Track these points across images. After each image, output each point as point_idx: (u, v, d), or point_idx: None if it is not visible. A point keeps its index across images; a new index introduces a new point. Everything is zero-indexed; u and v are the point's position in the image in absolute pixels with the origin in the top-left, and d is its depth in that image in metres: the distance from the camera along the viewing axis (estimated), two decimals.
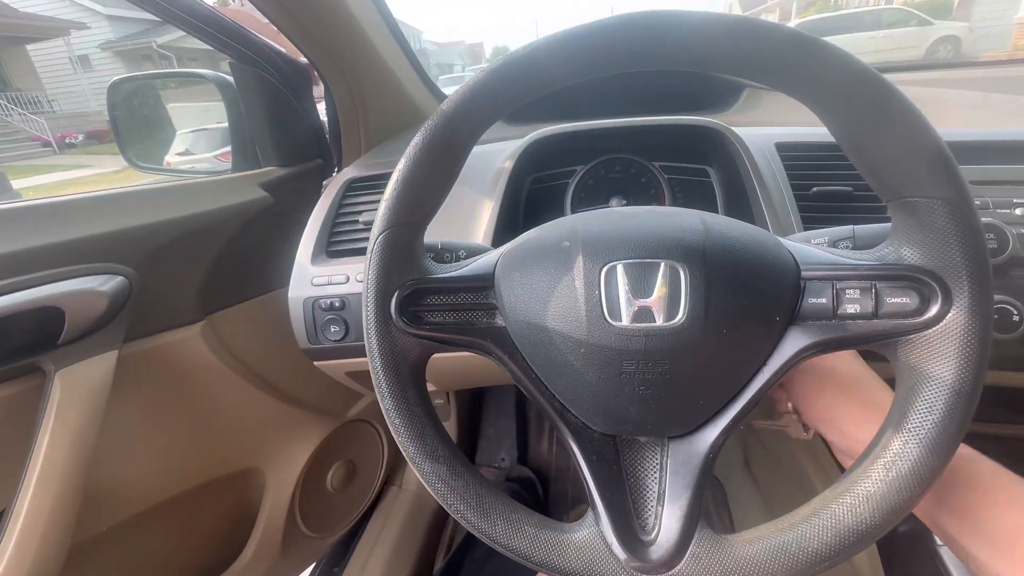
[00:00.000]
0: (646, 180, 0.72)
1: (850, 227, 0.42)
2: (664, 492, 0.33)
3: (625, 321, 0.31)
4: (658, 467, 0.34)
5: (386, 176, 0.69)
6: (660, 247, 0.32)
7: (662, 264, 0.31)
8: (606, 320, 0.32)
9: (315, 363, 0.64)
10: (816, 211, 0.55)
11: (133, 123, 0.84)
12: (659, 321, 0.31)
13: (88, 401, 0.53)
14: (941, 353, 0.29)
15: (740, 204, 0.60)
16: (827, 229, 0.43)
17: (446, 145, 0.34)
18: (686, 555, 0.30)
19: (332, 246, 0.64)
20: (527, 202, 0.72)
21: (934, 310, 0.29)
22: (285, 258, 0.66)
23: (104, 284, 0.54)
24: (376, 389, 0.34)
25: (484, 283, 0.36)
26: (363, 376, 0.67)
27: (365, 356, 0.64)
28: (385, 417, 0.34)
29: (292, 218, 0.72)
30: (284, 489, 0.80)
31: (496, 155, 0.67)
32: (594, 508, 0.33)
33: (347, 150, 0.85)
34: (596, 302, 0.32)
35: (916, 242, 0.30)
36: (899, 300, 0.30)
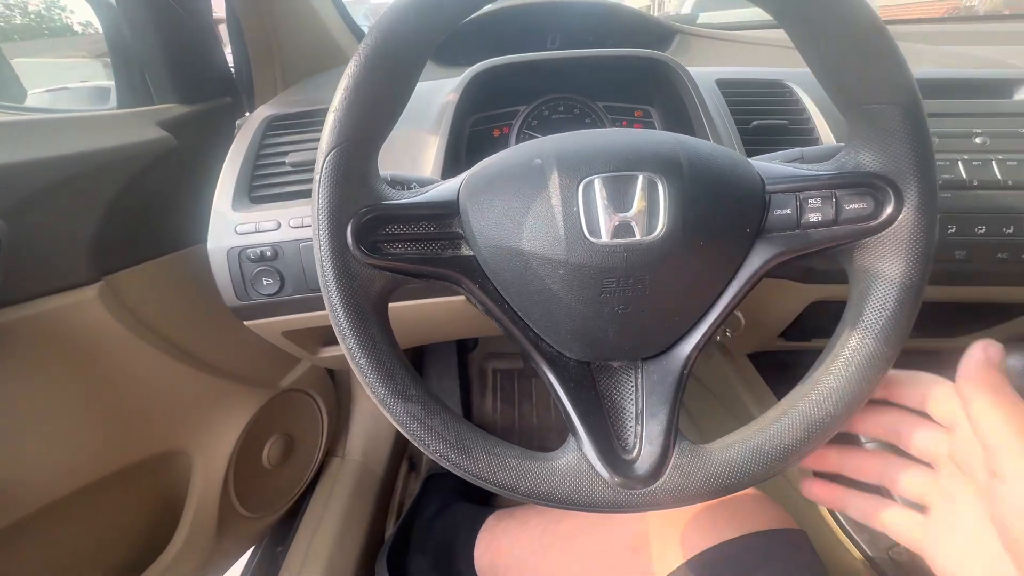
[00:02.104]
0: (590, 121, 0.71)
1: (799, 150, 0.43)
2: (642, 412, 0.33)
3: (605, 237, 0.30)
4: (634, 388, 0.35)
5: (312, 114, 0.63)
6: (638, 160, 0.31)
7: (640, 176, 0.30)
8: (586, 237, 0.30)
9: (246, 323, 0.58)
10: (756, 144, 0.57)
11: None
12: (639, 235, 0.30)
13: None
14: (892, 252, 0.31)
15: None
16: (776, 153, 0.45)
17: (400, 51, 0.30)
18: (668, 467, 0.31)
19: (256, 191, 0.57)
20: (469, 144, 0.69)
21: (887, 212, 0.31)
22: (199, 208, 0.57)
23: None
24: (336, 328, 0.31)
25: (448, 209, 0.33)
26: (303, 335, 0.62)
27: (304, 312, 0.59)
28: (348, 359, 0.31)
29: (203, 164, 0.63)
30: (214, 469, 0.72)
31: (438, 90, 0.63)
32: (575, 434, 0.32)
33: (260, 90, 0.76)
34: (575, 219, 0.30)
35: (873, 148, 0.31)
36: (857, 206, 0.32)
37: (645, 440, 0.32)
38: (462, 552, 0.75)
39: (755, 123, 0.58)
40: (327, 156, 0.30)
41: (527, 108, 0.70)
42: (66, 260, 0.53)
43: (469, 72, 0.61)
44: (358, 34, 0.93)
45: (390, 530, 0.97)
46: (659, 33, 0.89)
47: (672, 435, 0.32)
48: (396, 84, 0.32)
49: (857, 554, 0.61)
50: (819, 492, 0.38)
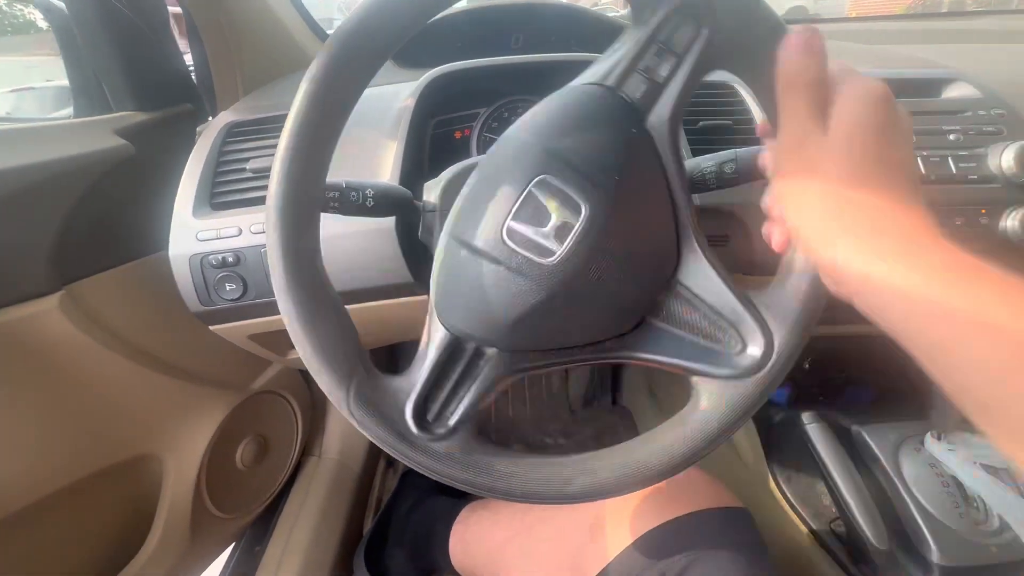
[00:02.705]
0: None
1: (733, 151, 0.46)
2: (712, 308, 0.34)
3: (556, 250, 0.31)
4: (688, 300, 0.35)
5: (274, 120, 0.63)
6: (517, 180, 0.32)
7: (531, 189, 0.32)
8: (543, 264, 0.31)
9: (212, 328, 0.58)
10: (702, 143, 0.59)
11: None
12: (575, 224, 0.31)
13: None
14: (748, 27, 0.31)
15: None
16: (713, 154, 0.47)
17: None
18: (772, 329, 0.32)
19: (216, 197, 0.58)
20: (432, 146, 0.70)
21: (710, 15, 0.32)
22: (161, 217, 0.58)
23: None
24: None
25: (453, 344, 0.35)
26: (270, 338, 0.63)
27: (269, 315, 0.60)
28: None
29: (164, 171, 0.63)
30: (186, 472, 0.73)
31: (395, 95, 0.64)
32: (693, 372, 0.33)
33: (221, 95, 0.76)
34: (524, 261, 0.32)
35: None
36: (683, 33, 0.32)
37: (736, 325, 0.33)
38: (438, 544, 0.78)
39: (701, 123, 0.61)
40: (350, 398, 0.32)
41: (487, 110, 0.72)
42: (25, 271, 0.53)
43: (425, 78, 0.62)
44: (320, 35, 0.93)
45: (368, 527, 0.99)
46: (617, 33, 0.90)
47: (746, 302, 0.33)
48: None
49: (802, 527, 0.65)
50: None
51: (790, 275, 0.33)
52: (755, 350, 0.32)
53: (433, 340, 0.35)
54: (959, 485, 0.56)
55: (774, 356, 0.32)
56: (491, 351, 0.35)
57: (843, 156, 0.26)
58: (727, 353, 0.33)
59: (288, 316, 0.33)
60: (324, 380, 0.33)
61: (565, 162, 0.32)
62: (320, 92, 0.32)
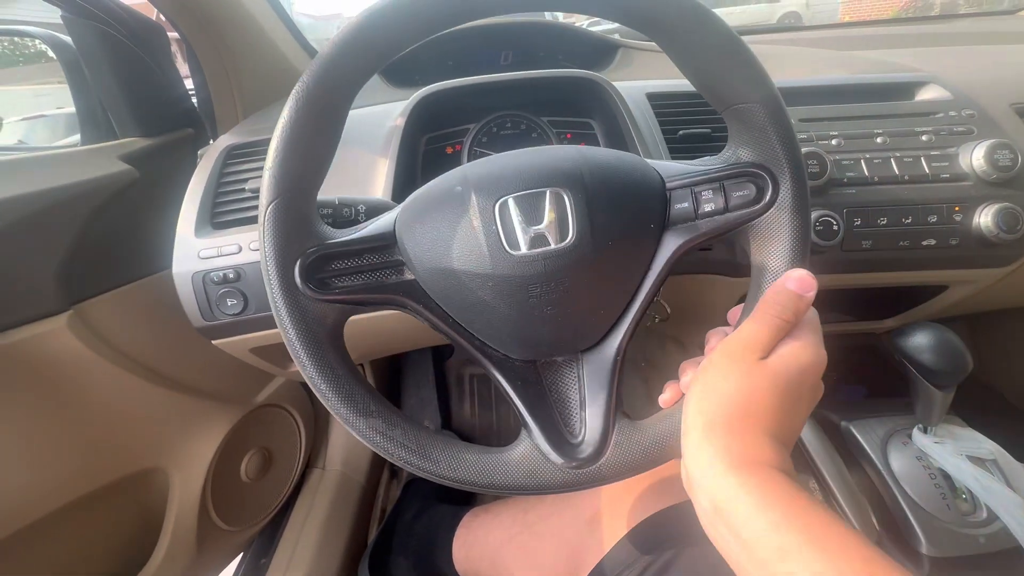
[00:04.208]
0: (537, 135, 0.75)
1: (707, 158, 0.48)
2: (584, 399, 0.37)
3: (523, 249, 0.34)
4: (576, 379, 0.38)
5: (270, 142, 0.66)
6: (544, 177, 0.35)
7: (548, 192, 0.35)
8: (506, 251, 0.34)
9: (214, 342, 0.61)
10: (682, 151, 0.62)
11: None
12: (553, 244, 0.34)
13: None
14: (779, 230, 0.36)
15: (621, 149, 0.65)
16: (692, 161, 0.49)
17: (323, 104, 0.34)
18: (610, 445, 0.35)
19: (217, 217, 0.60)
20: (424, 162, 0.73)
21: (768, 196, 0.36)
22: (165, 238, 0.60)
23: None
24: (296, 361, 0.34)
25: (386, 241, 0.37)
26: (271, 351, 0.65)
27: (269, 329, 0.62)
28: (311, 386, 0.35)
29: (166, 193, 0.66)
30: (192, 485, 0.75)
31: (386, 114, 0.66)
32: (526, 426, 0.36)
33: (221, 119, 0.79)
34: (495, 236, 0.34)
35: (747, 143, 0.36)
36: (742, 193, 0.36)
37: (588, 424, 0.36)
38: (441, 550, 0.79)
39: (681, 132, 0.63)
40: (267, 209, 0.34)
41: (476, 126, 0.74)
42: (35, 291, 0.55)
43: (414, 97, 0.65)
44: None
45: (372, 536, 1.00)
46: (603, 48, 0.94)
47: (612, 416, 0.36)
48: (326, 131, 0.35)
49: None
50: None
51: (662, 422, 0.36)
52: (584, 452, 0.35)
53: (377, 224, 0.38)
54: (947, 477, 0.57)
55: (588, 470, 0.35)
56: (409, 276, 0.37)
57: (761, 387, 0.30)
58: (564, 434, 0.37)
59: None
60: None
61: (587, 196, 0.34)
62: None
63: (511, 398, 0.37)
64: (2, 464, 0.55)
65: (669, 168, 0.38)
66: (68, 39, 0.63)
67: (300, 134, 0.33)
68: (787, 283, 0.33)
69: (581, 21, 1.12)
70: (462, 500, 1.00)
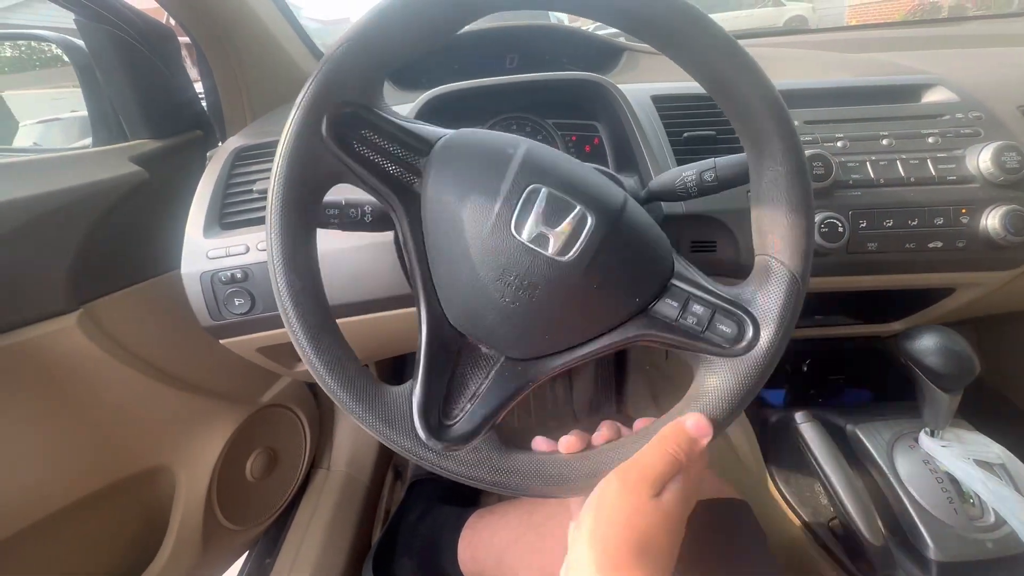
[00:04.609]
0: (542, 137, 0.76)
1: (712, 160, 0.48)
2: (479, 395, 0.37)
3: (523, 238, 0.34)
4: (485, 375, 0.38)
5: (277, 144, 0.66)
6: (584, 194, 0.35)
7: (578, 207, 0.35)
8: (509, 228, 0.34)
9: (221, 341, 0.61)
10: (687, 152, 0.62)
11: None
12: (550, 251, 0.34)
13: None
14: (727, 377, 0.35)
15: (625, 151, 0.65)
16: (694, 163, 0.49)
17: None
18: (468, 446, 0.35)
19: (225, 217, 0.61)
20: None
21: (742, 344, 0.35)
22: (174, 238, 0.61)
23: None
24: (271, 189, 0.34)
25: (422, 145, 0.37)
26: (277, 351, 0.65)
27: (276, 328, 0.62)
28: (266, 230, 0.34)
29: (176, 194, 0.67)
30: (198, 484, 0.75)
31: None
32: (415, 380, 0.36)
33: (230, 121, 0.80)
34: (508, 211, 0.34)
35: (760, 293, 0.36)
36: (723, 328, 0.36)
37: (467, 418, 0.36)
38: (446, 551, 0.79)
39: (686, 134, 0.63)
40: (342, 45, 0.33)
41: (482, 128, 0.75)
42: (46, 290, 0.56)
43: (421, 99, 0.65)
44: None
45: (377, 537, 1.00)
46: (608, 51, 0.94)
47: (489, 425, 0.36)
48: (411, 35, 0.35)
49: (798, 523, 0.65)
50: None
51: (516, 458, 0.36)
52: (446, 438, 0.35)
53: (425, 128, 0.38)
54: (954, 481, 0.56)
55: (435, 454, 0.35)
56: (416, 190, 0.37)
57: (656, 526, 0.31)
58: (439, 410, 0.36)
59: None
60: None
61: (608, 235, 0.35)
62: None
63: (421, 349, 0.37)
64: (12, 461, 0.56)
65: (686, 268, 0.38)
66: (81, 43, 0.64)
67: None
68: (687, 424, 0.34)
69: (586, 25, 1.12)
70: (467, 502, 1.00)
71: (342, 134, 0.35)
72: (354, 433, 1.07)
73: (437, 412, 0.36)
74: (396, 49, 0.35)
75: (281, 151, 0.34)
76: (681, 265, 0.38)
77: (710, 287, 0.37)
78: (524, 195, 0.34)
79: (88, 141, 0.78)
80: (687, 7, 0.33)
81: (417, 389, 0.36)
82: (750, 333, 0.35)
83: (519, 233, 0.34)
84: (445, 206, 0.36)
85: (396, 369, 1.26)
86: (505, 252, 0.34)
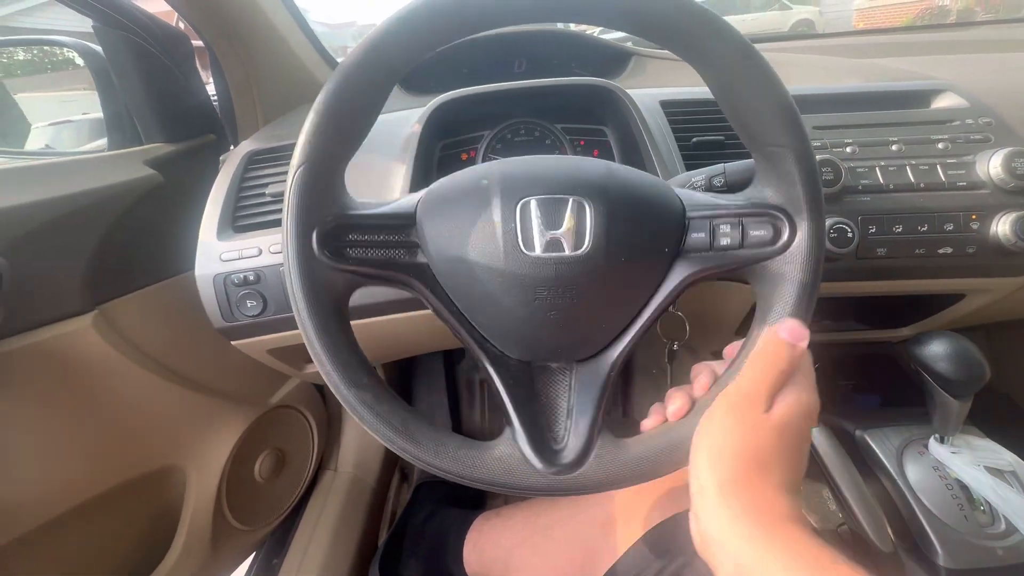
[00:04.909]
0: (550, 142, 0.76)
1: (721, 165, 0.49)
2: (572, 408, 0.37)
3: (538, 251, 0.35)
4: (567, 387, 0.39)
5: (289, 148, 0.68)
6: (569, 185, 0.36)
7: (571, 200, 0.35)
8: (521, 250, 0.35)
9: (233, 343, 0.62)
10: (696, 157, 0.62)
11: None
12: (567, 251, 0.35)
13: None
14: (788, 275, 0.35)
15: (634, 156, 0.66)
16: (704, 168, 0.50)
17: (365, 83, 0.35)
18: (590, 457, 0.35)
19: (238, 220, 0.62)
20: (439, 168, 0.74)
21: (783, 239, 0.36)
22: (187, 240, 0.62)
23: None
24: (299, 323, 0.35)
25: (406, 221, 0.38)
26: (287, 353, 0.66)
27: (287, 330, 0.63)
28: (308, 348, 0.35)
29: (190, 197, 0.68)
30: (208, 484, 0.76)
31: (404, 121, 0.68)
32: (511, 425, 0.36)
33: (243, 125, 0.81)
34: (512, 234, 0.35)
35: (772, 184, 0.36)
36: (759, 233, 0.36)
37: (573, 433, 0.36)
38: (452, 553, 0.79)
39: (695, 139, 0.63)
40: (296, 171, 0.34)
41: (491, 133, 0.76)
42: (62, 292, 0.57)
43: (432, 104, 0.66)
44: (334, 66, 0.99)
45: (383, 539, 1.01)
46: (616, 56, 0.95)
47: (596, 430, 0.36)
48: (359, 113, 0.36)
49: None
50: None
51: (645, 443, 0.36)
52: (565, 459, 0.35)
53: (400, 204, 0.39)
54: (964, 488, 0.56)
55: (566, 478, 0.35)
56: (422, 259, 0.38)
57: (770, 441, 0.30)
58: (546, 438, 0.37)
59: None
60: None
61: (609, 210, 0.35)
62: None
63: (502, 395, 0.37)
64: (28, 460, 0.57)
65: (692, 198, 0.38)
66: (98, 48, 0.65)
67: (340, 106, 0.34)
68: (780, 332, 0.33)
69: (592, 29, 1.13)
70: (473, 504, 1.01)
71: (335, 248, 0.35)
72: (361, 435, 1.07)
73: (545, 443, 0.36)
74: (350, 153, 0.37)
75: (292, 281, 0.35)
76: (688, 196, 0.38)
77: (726, 202, 0.37)
78: (518, 213, 0.35)
79: (99, 143, 0.79)
80: (701, 9, 0.34)
81: (519, 431, 0.36)
82: (786, 227, 0.36)
83: (531, 249, 0.35)
84: (453, 260, 0.36)
85: (402, 370, 1.27)
86: (527, 273, 0.35)
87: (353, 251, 0.36)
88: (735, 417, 0.31)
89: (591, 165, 0.38)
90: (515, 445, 0.35)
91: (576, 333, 0.37)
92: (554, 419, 0.38)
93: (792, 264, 0.35)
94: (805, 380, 0.32)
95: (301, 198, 0.34)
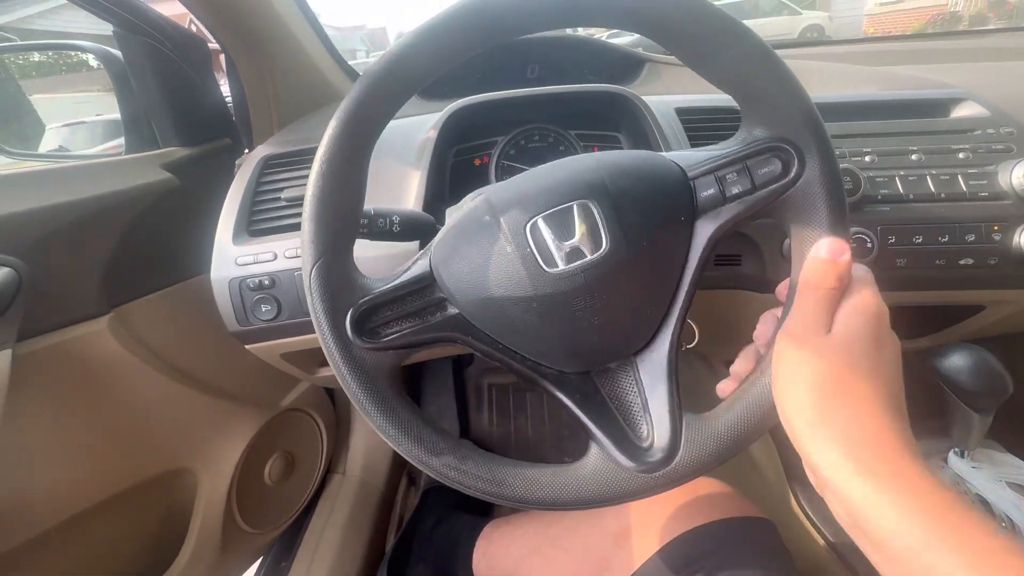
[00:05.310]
0: (564, 148, 0.76)
1: (725, 142, 0.47)
2: (646, 401, 0.37)
3: (561, 265, 0.34)
4: (634, 383, 0.38)
5: (305, 152, 0.68)
6: (567, 191, 0.35)
7: (574, 205, 0.35)
8: (544, 270, 0.35)
9: (247, 347, 0.62)
10: None
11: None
12: (588, 255, 0.34)
13: None
14: (812, 198, 0.35)
15: None
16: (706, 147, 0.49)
17: (353, 141, 0.35)
18: (681, 444, 0.34)
19: (254, 224, 0.62)
20: (452, 174, 0.74)
21: (794, 168, 0.35)
22: (201, 243, 0.62)
23: None
24: (362, 412, 0.35)
25: (425, 281, 0.38)
26: (300, 357, 0.66)
27: (300, 335, 0.63)
28: (380, 434, 0.35)
29: (204, 201, 0.68)
30: (219, 486, 0.76)
31: (419, 127, 0.68)
32: (595, 439, 0.36)
33: (257, 129, 0.81)
34: (531, 258, 0.35)
35: (761, 119, 0.36)
36: (767, 169, 0.35)
37: (655, 425, 0.35)
38: (461, 559, 0.79)
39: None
40: (312, 269, 0.35)
41: (505, 138, 0.75)
42: (79, 294, 0.58)
43: (447, 110, 0.66)
44: (347, 71, 0.99)
45: (391, 543, 1.00)
46: (629, 62, 0.94)
47: (677, 413, 0.35)
48: (356, 178, 0.36)
49: (821, 542, 0.64)
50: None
51: (730, 410, 0.35)
52: (657, 454, 0.34)
53: (414, 267, 0.38)
54: (985, 503, 0.55)
55: (665, 471, 0.34)
56: (453, 311, 0.37)
57: (841, 359, 0.28)
58: (632, 439, 0.36)
59: None
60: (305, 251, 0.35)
61: (613, 202, 0.35)
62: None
63: (574, 413, 0.37)
64: (45, 460, 0.57)
65: (688, 158, 0.37)
66: (118, 53, 0.66)
67: (331, 190, 0.35)
68: (820, 253, 0.32)
69: (600, 33, 1.13)
70: (481, 510, 1.00)
71: (371, 331, 0.36)
72: (369, 438, 1.07)
73: (633, 445, 0.35)
74: (355, 235, 0.37)
75: (340, 374, 0.35)
76: (684, 158, 0.38)
77: (722, 152, 0.37)
78: (528, 237, 0.35)
79: (113, 144, 0.79)
80: (720, 13, 0.33)
81: (604, 442, 0.35)
82: (793, 156, 0.35)
83: (553, 266, 0.34)
84: (482, 302, 0.36)
85: (411, 374, 1.27)
86: (558, 290, 0.34)
87: (387, 328, 0.36)
88: (798, 348, 0.30)
89: (581, 164, 0.38)
90: (604, 456, 0.35)
91: (624, 329, 0.37)
92: (632, 419, 0.37)
93: (811, 188, 0.34)
94: (863, 287, 0.31)
95: (324, 295, 0.35)
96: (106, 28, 0.64)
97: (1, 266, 0.49)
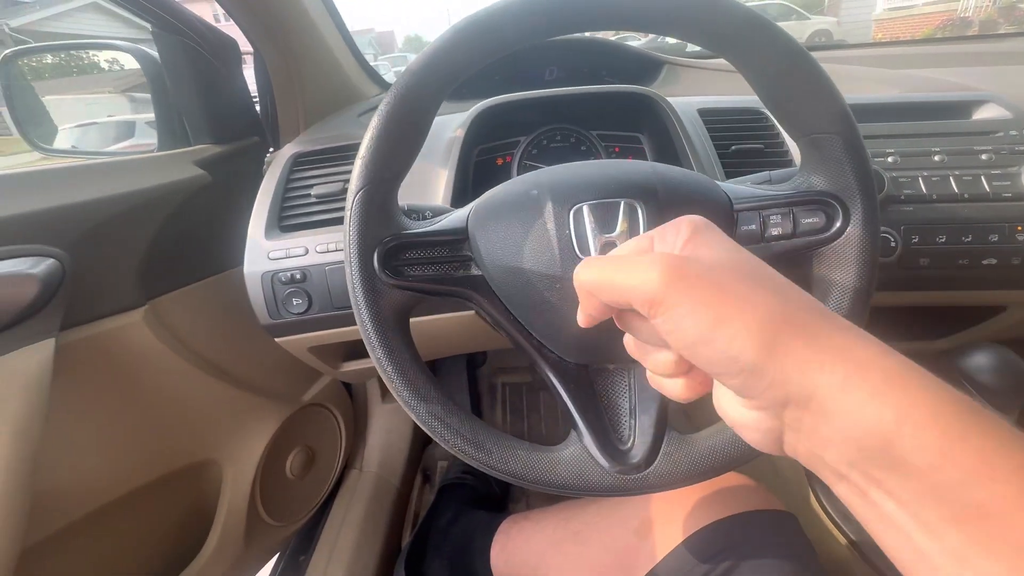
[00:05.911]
0: (586, 148, 0.77)
1: (766, 173, 0.49)
2: (635, 407, 0.38)
3: (594, 255, 0.35)
4: (627, 388, 0.39)
5: (333, 151, 0.69)
6: (619, 188, 0.37)
7: (622, 202, 0.36)
8: (577, 255, 0.36)
9: (277, 340, 0.63)
10: (735, 166, 0.62)
11: (34, 101, 0.75)
12: None
13: (27, 393, 0.49)
14: (844, 260, 0.36)
15: (671, 163, 0.66)
16: (747, 176, 0.50)
17: (416, 102, 0.36)
18: (659, 454, 0.35)
19: (284, 220, 0.63)
20: (475, 173, 0.75)
21: (837, 225, 0.36)
22: (231, 238, 0.64)
23: (34, 267, 0.49)
24: (366, 341, 0.36)
25: (459, 236, 0.39)
26: (326, 351, 0.67)
27: (329, 328, 0.64)
28: (377, 367, 0.36)
29: (234, 197, 0.70)
30: (243, 479, 0.77)
31: (446, 126, 0.69)
32: (576, 428, 0.37)
33: (284, 128, 0.83)
34: (567, 240, 0.36)
35: (821, 171, 0.37)
36: (811, 220, 0.37)
37: (638, 432, 0.37)
38: (479, 554, 0.79)
39: (734, 147, 0.64)
40: (356, 195, 0.36)
41: (527, 139, 0.77)
42: (117, 286, 0.59)
43: (474, 110, 0.67)
44: (369, 73, 1.01)
45: (407, 539, 1.01)
46: (648, 64, 0.96)
47: (662, 427, 0.37)
48: (412, 133, 0.37)
49: (843, 539, 0.64)
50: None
51: (712, 438, 0.35)
52: (633, 459, 0.35)
53: (451, 219, 0.39)
54: None
55: (637, 476, 0.35)
56: (476, 272, 0.38)
57: (727, 267, 0.24)
58: (612, 439, 0.37)
59: None
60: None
61: (659, 208, 0.36)
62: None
63: (563, 399, 0.38)
64: (80, 449, 0.58)
65: (738, 191, 0.39)
66: (154, 53, 0.68)
67: (394, 128, 0.35)
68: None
69: (616, 36, 1.14)
70: (496, 507, 1.01)
71: (394, 267, 0.37)
72: (386, 435, 1.09)
73: (611, 444, 0.36)
74: (405, 171, 0.38)
75: (355, 300, 0.36)
76: (734, 190, 0.39)
77: (773, 193, 0.38)
78: (571, 220, 0.36)
79: (124, 144, 0.81)
80: (753, 15, 0.34)
81: (584, 433, 0.36)
82: (839, 213, 0.36)
83: (586, 253, 0.35)
84: (508, 271, 0.37)
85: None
86: None
87: (411, 269, 0.37)
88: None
89: (637, 167, 0.39)
90: (583, 447, 0.36)
91: None
92: (617, 420, 0.38)
93: (849, 245, 0.36)
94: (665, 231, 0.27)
95: (361, 222, 0.35)
96: (111, 32, 0.65)
97: (47, 258, 0.51)
